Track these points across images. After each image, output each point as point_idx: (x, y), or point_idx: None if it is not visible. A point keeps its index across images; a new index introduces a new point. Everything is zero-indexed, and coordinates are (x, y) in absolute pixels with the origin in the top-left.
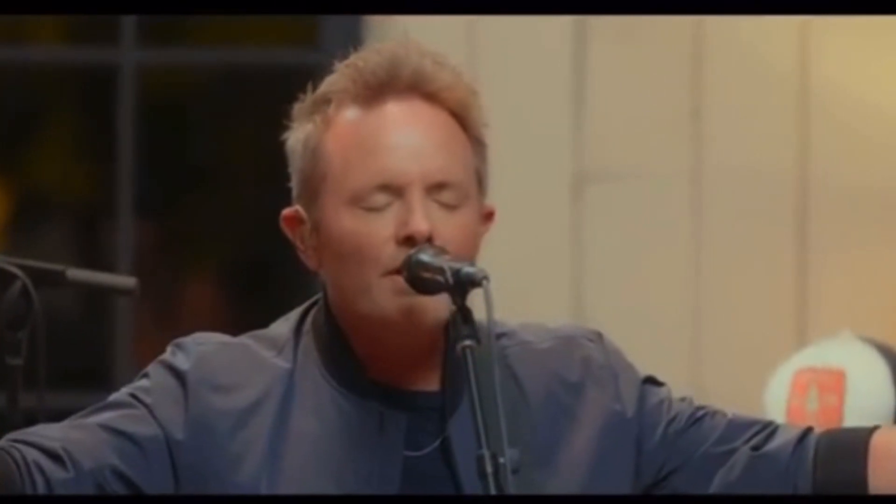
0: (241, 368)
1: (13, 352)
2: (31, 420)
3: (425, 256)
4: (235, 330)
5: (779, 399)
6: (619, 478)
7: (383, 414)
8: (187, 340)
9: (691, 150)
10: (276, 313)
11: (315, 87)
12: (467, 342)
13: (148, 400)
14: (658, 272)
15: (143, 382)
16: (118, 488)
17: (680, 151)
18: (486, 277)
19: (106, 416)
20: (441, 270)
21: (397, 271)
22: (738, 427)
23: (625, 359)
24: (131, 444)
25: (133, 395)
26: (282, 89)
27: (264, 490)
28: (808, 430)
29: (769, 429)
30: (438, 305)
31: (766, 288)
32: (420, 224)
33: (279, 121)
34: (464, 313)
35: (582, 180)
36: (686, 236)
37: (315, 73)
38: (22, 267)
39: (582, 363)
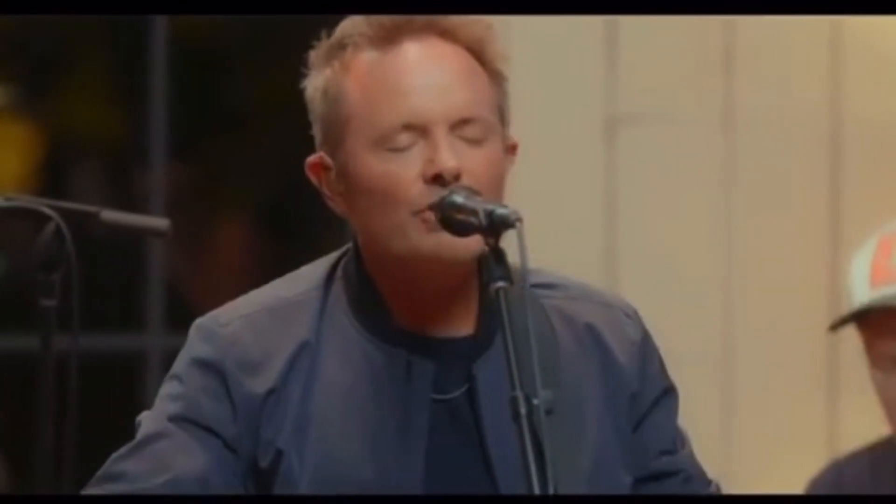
0: (268, 338)
1: (47, 293)
2: (64, 362)
3: (458, 198)
4: (266, 270)
5: (864, 262)
6: (622, 458)
7: (411, 362)
8: (209, 324)
9: (723, 92)
10: (307, 253)
11: (329, 34)
12: (500, 283)
13: (192, 415)
14: (690, 215)
15: (179, 389)
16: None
17: (712, 94)
18: (519, 219)
19: (162, 449)
20: (474, 212)
21: (427, 209)
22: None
23: (655, 346)
24: (209, 464)
25: (176, 418)
26: (314, 32)
27: (294, 443)
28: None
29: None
30: (471, 241)
31: (799, 230)
32: (447, 161)
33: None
34: (496, 254)
35: (614, 123)
36: (718, 178)
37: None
38: (56, 208)
39: (616, 332)
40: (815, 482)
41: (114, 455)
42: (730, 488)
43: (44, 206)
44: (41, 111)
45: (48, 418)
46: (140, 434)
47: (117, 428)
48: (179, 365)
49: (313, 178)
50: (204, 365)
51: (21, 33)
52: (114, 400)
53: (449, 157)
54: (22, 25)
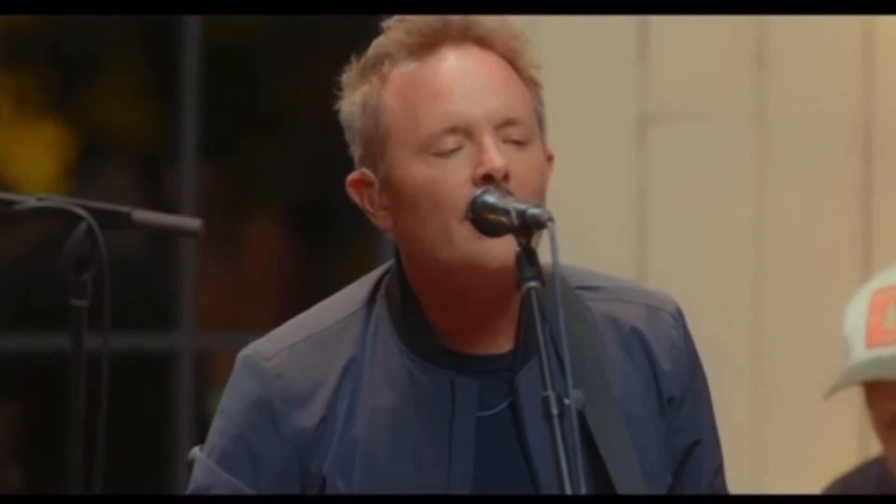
0: (314, 368)
1: (78, 293)
2: (95, 361)
3: (490, 198)
4: (297, 271)
5: (858, 319)
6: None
7: (455, 382)
8: (254, 358)
9: (754, 91)
10: (337, 255)
11: (359, 57)
12: (532, 283)
13: (241, 454)
14: (721, 213)
15: (227, 427)
16: None
17: (744, 93)
18: (551, 219)
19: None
20: (506, 212)
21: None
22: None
23: (696, 349)
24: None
25: (225, 459)
26: (346, 34)
27: (339, 467)
28: None
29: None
30: (511, 249)
31: (830, 227)
32: (496, 160)
33: (343, 63)
34: (529, 254)
35: (646, 123)
36: (750, 177)
37: (379, 20)
38: (87, 208)
39: (661, 336)
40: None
41: None
42: (762, 487)
43: (75, 206)
44: (73, 111)
45: (79, 418)
46: (194, 483)
47: (148, 427)
48: (227, 401)
49: (355, 197)
50: (251, 402)
51: (53, 33)
52: (144, 399)
53: (497, 156)
54: (54, 25)
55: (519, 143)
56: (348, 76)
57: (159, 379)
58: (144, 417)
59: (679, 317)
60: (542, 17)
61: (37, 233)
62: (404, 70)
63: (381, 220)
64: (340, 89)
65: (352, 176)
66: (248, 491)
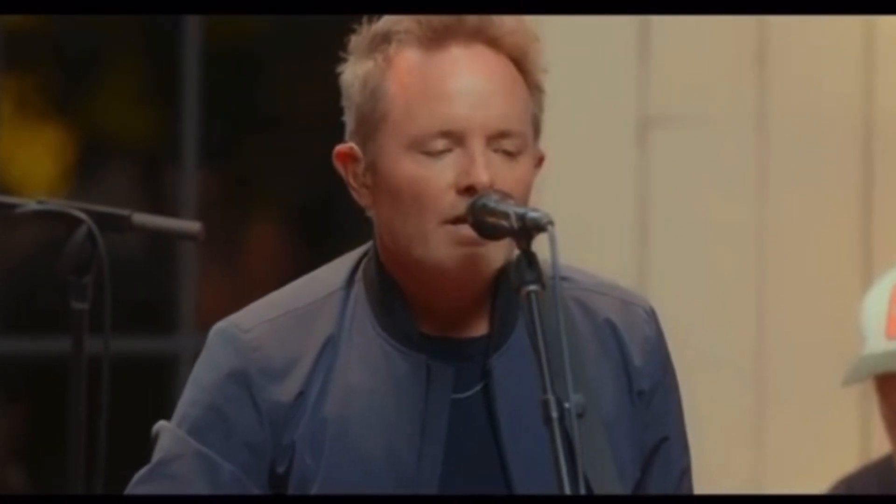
0: (292, 343)
1: (79, 296)
2: (96, 365)
3: (490, 201)
4: (298, 274)
5: (878, 310)
6: (632, 454)
7: (431, 366)
8: (231, 329)
9: (756, 94)
10: (338, 257)
11: (371, 22)
12: (532, 287)
13: (216, 425)
14: (722, 216)
15: (202, 397)
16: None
17: (744, 96)
18: (551, 222)
19: (183, 472)
20: (506, 215)
21: (455, 220)
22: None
23: (667, 347)
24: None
25: (199, 430)
26: (347, 35)
27: (309, 442)
28: None
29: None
30: (493, 255)
31: (831, 230)
32: (481, 175)
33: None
34: (528, 258)
35: (646, 125)
36: (751, 178)
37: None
38: (87, 211)
39: (634, 330)
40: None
41: (135, 478)
42: (762, 491)
43: (75, 209)
44: (74, 113)
45: (80, 421)
46: (161, 452)
47: (149, 430)
48: (201, 371)
49: (339, 167)
50: (227, 372)
51: (53, 35)
52: (145, 402)
53: (483, 171)
54: (54, 27)
55: (509, 155)
56: (357, 42)
57: (160, 382)
58: (145, 420)
59: (652, 314)
60: (542, 19)
61: (38, 236)
62: (411, 57)
63: (363, 196)
64: (347, 52)
65: (341, 147)
66: (219, 462)
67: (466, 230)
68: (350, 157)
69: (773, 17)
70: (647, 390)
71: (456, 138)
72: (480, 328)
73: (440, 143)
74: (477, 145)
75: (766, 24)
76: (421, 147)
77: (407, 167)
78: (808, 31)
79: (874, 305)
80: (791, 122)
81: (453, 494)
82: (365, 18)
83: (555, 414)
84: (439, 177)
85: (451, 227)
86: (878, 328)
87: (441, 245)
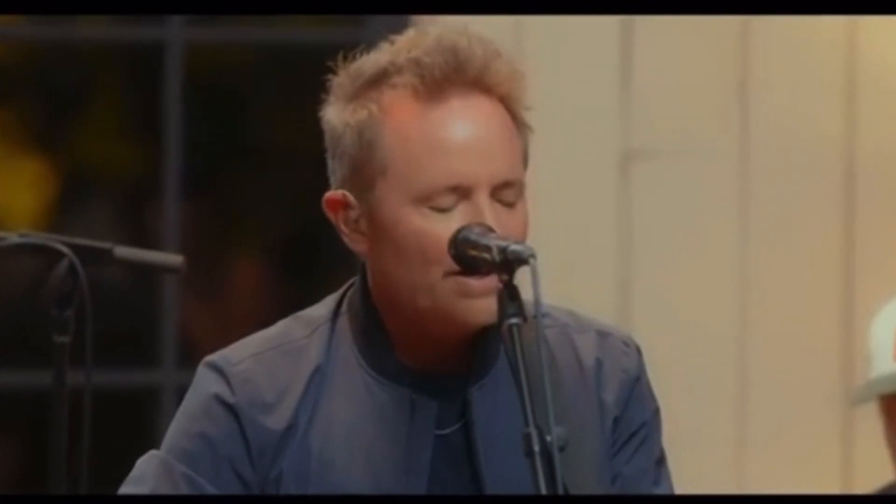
0: (280, 377)
1: (60, 330)
2: (77, 398)
3: (472, 235)
4: (281, 308)
5: (885, 339)
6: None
7: (414, 401)
8: (221, 362)
9: (738, 125)
10: (322, 291)
11: (346, 62)
12: (514, 320)
13: (206, 453)
14: (705, 249)
15: (192, 427)
16: None
17: (727, 127)
18: (532, 255)
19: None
20: (487, 248)
21: (460, 272)
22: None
23: (648, 381)
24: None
25: (188, 458)
26: (327, 68)
27: (293, 473)
28: None
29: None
30: (494, 305)
31: (813, 261)
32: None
33: (324, 100)
34: (511, 291)
35: (629, 158)
36: (733, 212)
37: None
38: (69, 245)
39: (613, 362)
40: None
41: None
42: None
43: (57, 242)
44: (55, 146)
45: (62, 454)
46: (134, 472)
47: (131, 463)
48: (190, 403)
49: (330, 214)
50: (217, 403)
51: (35, 67)
52: (128, 436)
53: (493, 223)
54: (36, 59)
55: (509, 205)
56: (339, 85)
57: (142, 415)
58: (127, 454)
59: (631, 344)
60: (525, 50)
61: (19, 269)
62: (408, 109)
63: (356, 243)
64: (330, 94)
65: (332, 195)
66: (205, 485)
67: (473, 282)
68: (342, 205)
69: (755, 49)
70: (620, 416)
71: (463, 192)
72: (462, 362)
73: (449, 199)
74: (483, 198)
75: (748, 57)
76: (428, 202)
77: (414, 221)
78: (790, 64)
79: (882, 329)
80: (773, 154)
81: (444, 494)
82: (340, 57)
83: (536, 447)
84: (447, 231)
85: (459, 279)
86: (886, 350)
87: (446, 296)
